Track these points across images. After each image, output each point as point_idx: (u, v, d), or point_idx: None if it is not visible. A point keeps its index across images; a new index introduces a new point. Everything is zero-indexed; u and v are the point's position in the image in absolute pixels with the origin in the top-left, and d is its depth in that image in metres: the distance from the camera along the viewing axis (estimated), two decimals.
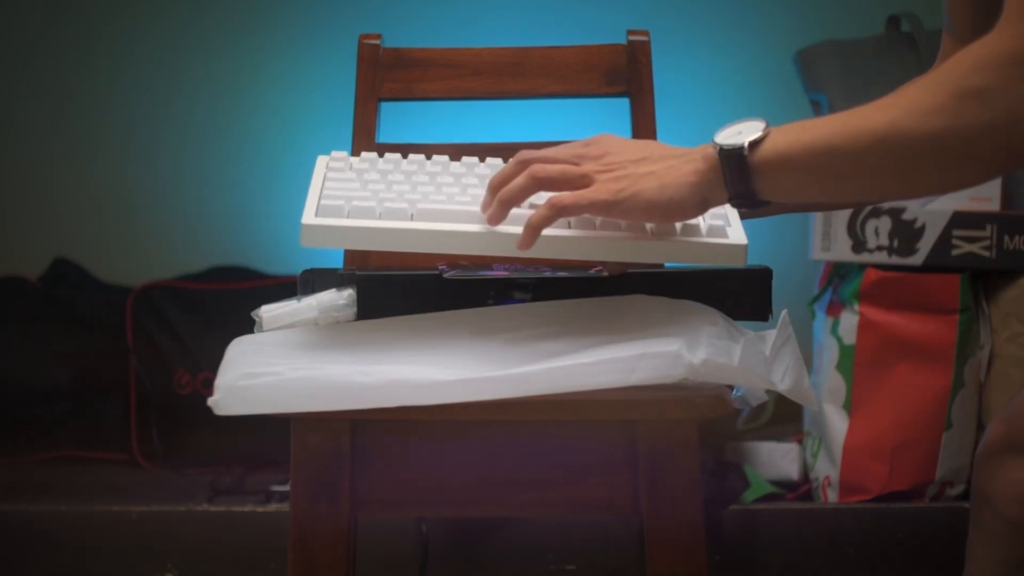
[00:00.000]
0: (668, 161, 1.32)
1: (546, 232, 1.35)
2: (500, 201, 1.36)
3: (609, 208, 1.32)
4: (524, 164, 1.36)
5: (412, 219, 1.37)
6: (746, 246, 1.36)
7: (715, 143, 1.31)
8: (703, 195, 1.32)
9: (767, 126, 1.31)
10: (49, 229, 2.95)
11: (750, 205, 1.32)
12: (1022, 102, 1.22)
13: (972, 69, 1.23)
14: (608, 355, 1.32)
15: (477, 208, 1.38)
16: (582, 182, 1.34)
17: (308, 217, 1.37)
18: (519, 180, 1.35)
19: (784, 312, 1.39)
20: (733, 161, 1.29)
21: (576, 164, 1.35)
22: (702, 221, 1.38)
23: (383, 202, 1.39)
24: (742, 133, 1.30)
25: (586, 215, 1.36)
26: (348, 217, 1.37)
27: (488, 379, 1.31)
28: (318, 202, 1.40)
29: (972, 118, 1.23)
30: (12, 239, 2.95)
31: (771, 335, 1.37)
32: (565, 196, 1.33)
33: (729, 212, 1.42)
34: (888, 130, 1.25)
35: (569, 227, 1.37)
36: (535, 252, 1.36)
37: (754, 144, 1.29)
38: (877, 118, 1.26)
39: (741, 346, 1.34)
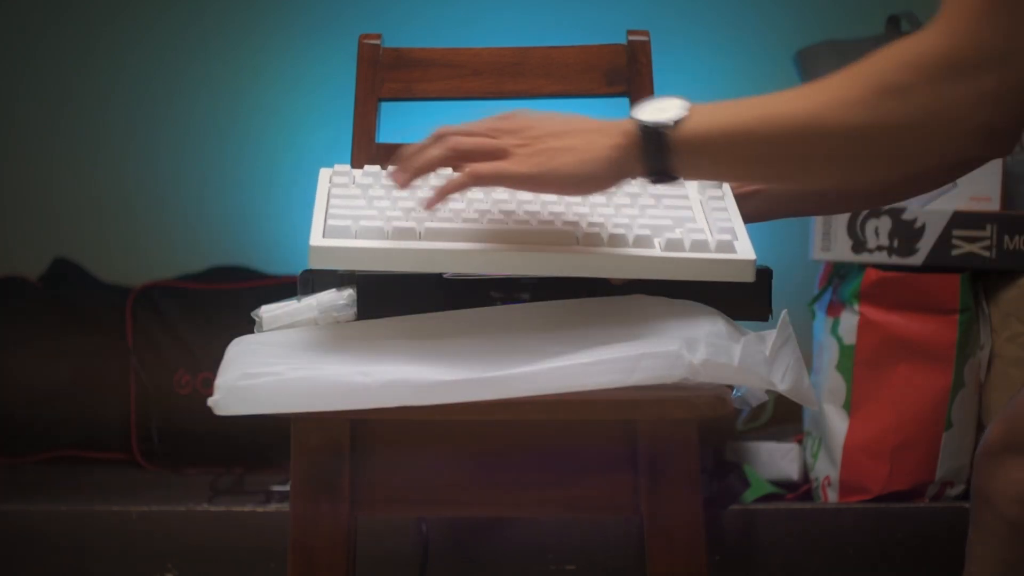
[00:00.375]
0: (586, 135, 1.31)
1: (553, 249, 1.35)
2: (414, 168, 1.35)
3: (526, 181, 1.32)
4: (441, 137, 1.35)
5: (420, 238, 1.37)
6: (754, 261, 1.37)
7: (636, 119, 1.30)
8: (620, 169, 1.31)
9: (688, 105, 1.30)
10: (49, 229, 2.95)
11: (665, 182, 1.32)
12: (943, 102, 1.22)
13: (897, 65, 1.23)
14: (608, 355, 1.32)
15: (485, 226, 1.38)
16: (500, 155, 1.33)
17: (316, 238, 1.37)
18: (435, 150, 1.34)
19: (784, 312, 1.39)
20: (653, 139, 1.29)
21: (494, 138, 1.34)
22: (710, 236, 1.38)
23: (390, 221, 1.39)
24: (663, 111, 1.29)
25: (504, 187, 1.36)
26: (356, 238, 1.37)
27: (488, 379, 1.31)
28: (324, 222, 1.40)
29: (891, 114, 1.23)
30: (12, 239, 2.95)
31: (771, 335, 1.37)
32: (483, 166, 1.32)
33: (737, 226, 1.42)
34: (808, 120, 1.25)
35: (578, 243, 1.37)
36: (542, 271, 1.36)
37: (676, 123, 1.29)
38: (799, 107, 1.26)
39: (741, 346, 1.34)
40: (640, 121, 1.30)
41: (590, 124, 1.33)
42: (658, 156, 1.30)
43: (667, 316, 1.38)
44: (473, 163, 1.33)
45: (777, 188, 1.55)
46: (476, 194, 1.47)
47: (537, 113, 1.36)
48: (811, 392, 1.38)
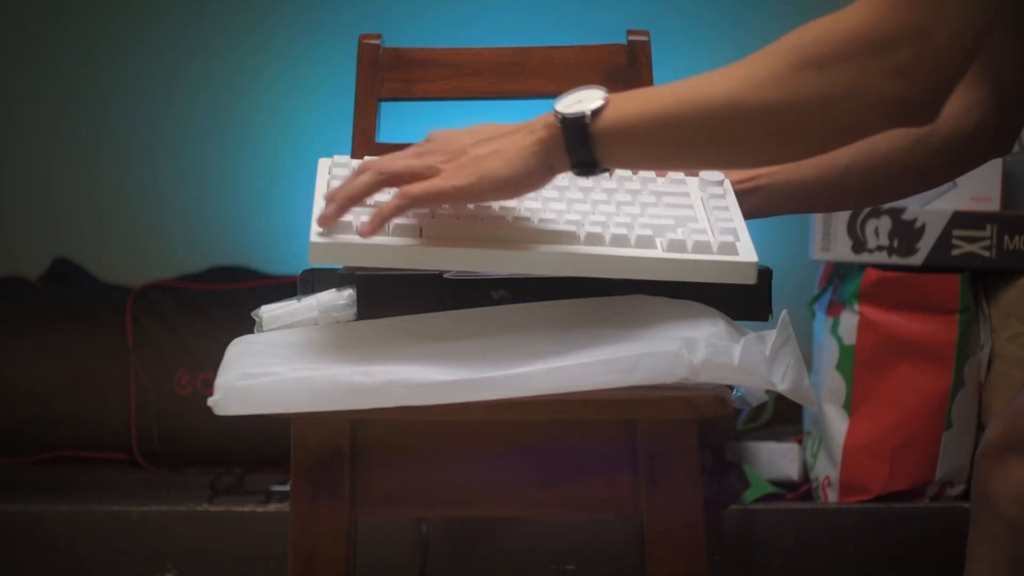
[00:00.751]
0: (509, 137, 1.32)
1: (555, 248, 1.35)
2: (344, 198, 1.34)
3: (460, 194, 1.32)
4: (366, 169, 1.36)
5: (422, 235, 1.37)
6: (756, 263, 1.37)
7: (556, 111, 1.30)
8: (547, 163, 1.31)
9: (606, 94, 1.30)
10: (49, 229, 2.95)
11: (592, 172, 1.32)
12: (860, 76, 1.23)
13: (815, 40, 1.25)
14: (608, 355, 1.32)
15: (485, 224, 1.38)
16: (428, 173, 1.33)
17: (315, 235, 1.36)
18: (364, 177, 1.34)
19: (784, 312, 1.39)
20: (574, 130, 1.29)
21: (420, 160, 1.35)
22: (712, 237, 1.38)
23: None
24: (582, 101, 1.30)
25: (439, 204, 1.36)
26: (356, 234, 1.37)
27: (488, 379, 1.31)
28: None
29: (808, 90, 1.24)
30: (12, 239, 2.95)
31: (771, 335, 1.37)
32: (415, 186, 1.33)
33: (738, 226, 1.42)
34: (726, 100, 1.26)
35: (580, 242, 1.37)
36: (544, 270, 1.36)
37: (595, 112, 1.29)
38: (717, 87, 1.26)
39: (741, 346, 1.34)
40: (559, 113, 1.30)
41: (511, 126, 1.34)
42: (580, 146, 1.30)
43: (667, 316, 1.38)
44: (404, 185, 1.33)
45: (766, 181, 1.55)
46: None
47: (453, 130, 1.38)
48: (811, 392, 1.38)
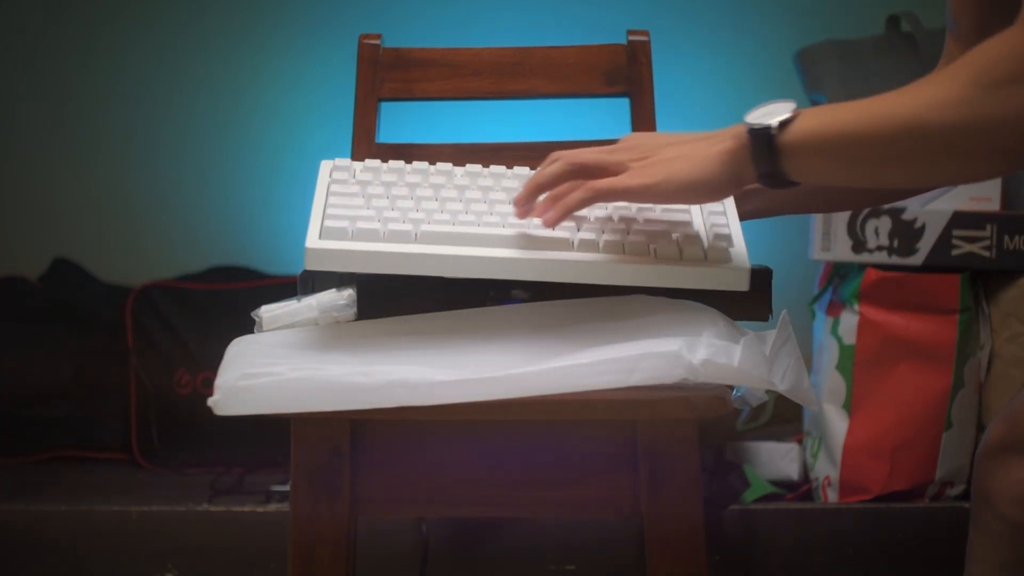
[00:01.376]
0: (697, 144, 1.36)
1: (547, 255, 1.36)
2: (534, 184, 1.39)
3: (644, 192, 1.35)
4: (557, 159, 1.39)
5: (416, 239, 1.37)
6: (749, 270, 1.38)
7: (745, 122, 1.33)
8: (734, 173, 1.34)
9: (796, 108, 1.32)
10: (49, 229, 2.95)
11: (779, 185, 1.34)
12: None
13: (992, 63, 1.25)
14: (608, 355, 1.32)
15: (480, 229, 1.38)
16: (617, 169, 1.37)
17: (312, 240, 1.37)
18: (554, 167, 1.38)
19: (784, 312, 1.39)
20: (762, 141, 1.32)
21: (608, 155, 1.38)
22: (705, 243, 1.39)
23: (387, 223, 1.39)
24: (771, 114, 1.32)
25: (623, 201, 1.39)
26: (352, 239, 1.38)
27: (488, 379, 1.31)
28: (321, 223, 1.40)
29: (991, 112, 1.25)
30: (12, 239, 2.95)
31: (771, 335, 1.37)
32: (601, 181, 1.36)
33: (734, 231, 1.42)
34: (908, 119, 1.27)
35: (573, 248, 1.37)
36: (537, 275, 1.37)
37: (783, 125, 1.31)
38: (902, 107, 1.28)
39: (741, 346, 1.34)
40: (748, 124, 1.33)
41: (700, 134, 1.37)
42: (767, 158, 1.32)
43: (667, 316, 1.38)
44: (591, 178, 1.37)
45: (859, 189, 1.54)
46: (473, 191, 1.47)
47: (648, 134, 1.41)
48: (811, 392, 1.38)
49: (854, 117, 1.30)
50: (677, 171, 1.34)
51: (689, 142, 1.37)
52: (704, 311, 1.39)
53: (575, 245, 1.38)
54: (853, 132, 1.29)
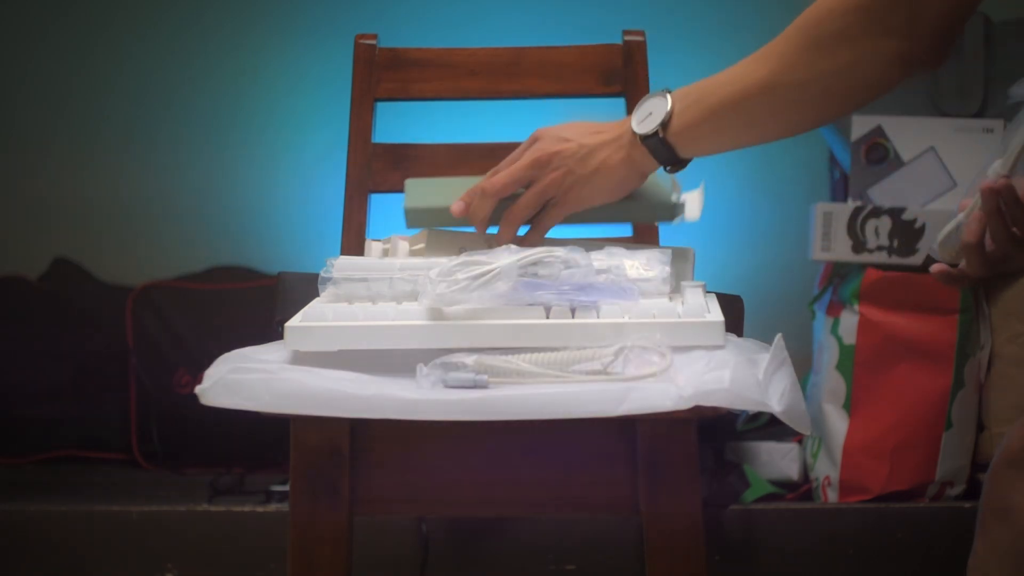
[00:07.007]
0: (604, 151, 1.55)
1: (519, 322, 1.37)
2: (473, 217, 1.57)
3: (573, 212, 1.56)
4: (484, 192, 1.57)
5: (392, 317, 1.39)
6: (722, 322, 1.38)
7: (633, 132, 1.52)
8: (641, 171, 1.55)
9: (670, 102, 1.51)
10: (49, 229, 2.96)
11: (680, 166, 1.54)
12: (866, 47, 1.41)
13: (818, 21, 1.42)
14: (597, 385, 1.31)
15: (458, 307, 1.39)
16: (546, 205, 1.57)
17: (294, 320, 1.39)
18: (486, 204, 1.56)
19: (779, 336, 1.38)
20: (653, 143, 1.52)
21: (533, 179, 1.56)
22: (680, 305, 1.41)
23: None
24: (652, 114, 1.52)
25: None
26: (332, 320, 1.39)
27: (477, 400, 1.30)
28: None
29: (824, 66, 1.43)
30: (12, 239, 2.96)
31: (764, 359, 1.36)
32: (546, 220, 1.57)
33: (709, 299, 1.43)
34: (761, 88, 1.46)
35: (547, 318, 1.37)
36: (512, 342, 1.36)
37: (665, 124, 1.51)
38: (752, 78, 1.46)
39: (731, 371, 1.32)
40: (638, 134, 1.52)
41: (599, 136, 1.56)
42: (663, 153, 1.52)
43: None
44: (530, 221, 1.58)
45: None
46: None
47: (553, 135, 1.58)
48: (806, 417, 1.35)
49: (721, 97, 1.48)
50: (596, 189, 1.55)
51: (597, 149, 1.55)
52: None
53: (549, 314, 1.38)
54: (721, 112, 1.48)
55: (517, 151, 1.59)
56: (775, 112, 1.47)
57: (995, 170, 1.34)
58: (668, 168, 1.54)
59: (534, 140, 1.59)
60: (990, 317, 2.41)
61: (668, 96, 1.52)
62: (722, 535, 2.36)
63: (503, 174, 1.57)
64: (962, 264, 1.39)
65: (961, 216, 1.40)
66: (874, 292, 2.40)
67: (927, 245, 2.41)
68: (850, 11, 1.41)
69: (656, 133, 1.51)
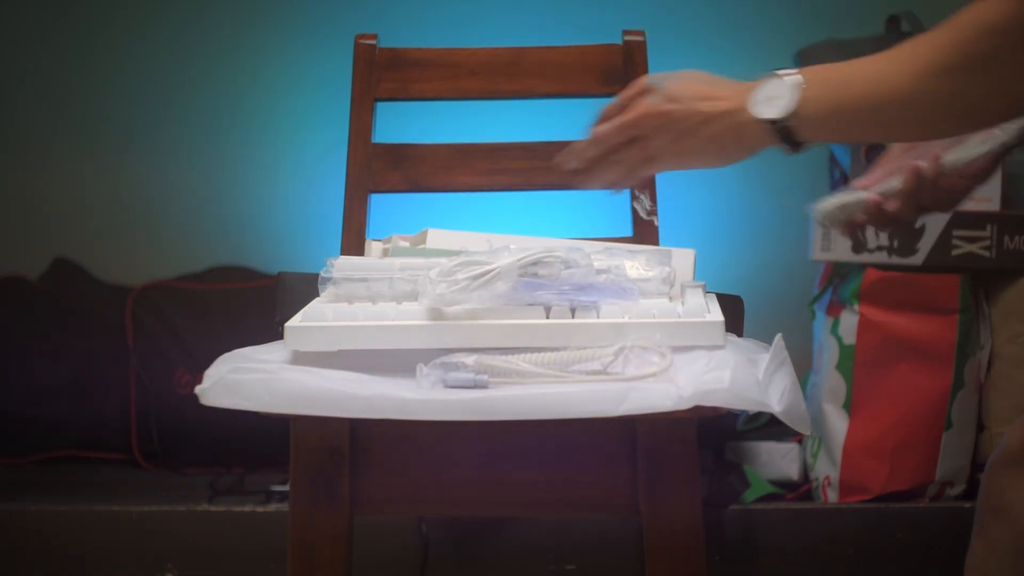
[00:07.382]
0: (715, 125, 1.47)
1: (523, 321, 1.36)
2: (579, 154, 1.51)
3: (682, 168, 1.50)
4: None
5: (396, 312, 1.39)
6: (722, 322, 1.38)
7: (760, 119, 1.44)
8: (750, 149, 1.47)
9: (798, 90, 1.41)
10: (49, 229, 2.95)
11: (796, 150, 1.45)
12: (1010, 71, 1.33)
13: (974, 39, 1.34)
14: (596, 386, 1.31)
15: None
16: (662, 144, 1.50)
17: (294, 321, 1.39)
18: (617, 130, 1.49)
19: (779, 336, 1.38)
20: (776, 128, 1.43)
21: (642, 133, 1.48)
22: (680, 305, 1.40)
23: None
24: (776, 99, 1.43)
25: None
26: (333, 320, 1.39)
27: (476, 400, 1.30)
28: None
29: (977, 84, 1.34)
30: (12, 239, 2.95)
31: (764, 359, 1.36)
32: (651, 165, 1.49)
33: (709, 300, 1.43)
34: (902, 97, 1.38)
35: (547, 318, 1.37)
36: (514, 342, 1.36)
37: (793, 111, 1.41)
38: (899, 81, 1.38)
39: (731, 371, 1.32)
40: (767, 120, 1.43)
41: (725, 103, 1.48)
42: (787, 142, 1.44)
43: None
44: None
45: None
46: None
47: (664, 97, 1.49)
48: (806, 417, 1.35)
49: (860, 90, 1.40)
50: (706, 161, 1.48)
51: (707, 121, 1.47)
52: None
53: (549, 314, 1.38)
54: (853, 109, 1.40)
55: (624, 95, 1.51)
56: (911, 122, 1.41)
57: (950, 162, 1.52)
58: (786, 150, 1.48)
59: (641, 91, 1.51)
60: (990, 317, 2.41)
61: (792, 81, 1.44)
62: (722, 535, 2.36)
63: (610, 125, 1.49)
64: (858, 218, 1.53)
65: (862, 194, 1.53)
66: (874, 292, 2.40)
67: (927, 245, 2.41)
68: (1010, 31, 1.33)
69: (781, 119, 1.44)
